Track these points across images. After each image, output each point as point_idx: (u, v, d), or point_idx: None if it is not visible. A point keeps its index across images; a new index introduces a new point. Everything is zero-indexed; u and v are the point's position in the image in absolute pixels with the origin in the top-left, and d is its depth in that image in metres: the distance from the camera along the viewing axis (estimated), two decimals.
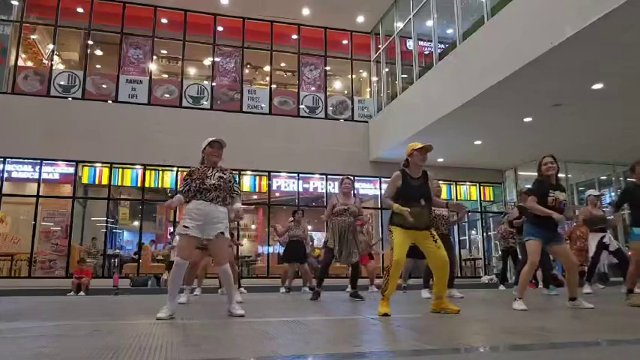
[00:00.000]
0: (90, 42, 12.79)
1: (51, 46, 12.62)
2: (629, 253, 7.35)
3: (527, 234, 4.71)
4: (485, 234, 14.75)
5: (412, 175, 4.25)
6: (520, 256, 7.59)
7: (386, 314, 3.89)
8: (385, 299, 4.04)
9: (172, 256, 10.99)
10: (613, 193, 14.07)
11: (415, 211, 4.05)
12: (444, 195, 13.62)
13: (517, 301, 4.46)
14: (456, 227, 14.67)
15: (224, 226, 4.00)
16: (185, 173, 4.16)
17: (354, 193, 6.69)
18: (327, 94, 13.99)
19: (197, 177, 4.04)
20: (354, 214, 6.33)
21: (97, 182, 12.14)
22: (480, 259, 14.73)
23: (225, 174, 4.15)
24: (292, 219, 8.95)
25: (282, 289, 9.03)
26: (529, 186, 7.55)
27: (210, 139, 4.19)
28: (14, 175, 11.68)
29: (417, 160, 4.23)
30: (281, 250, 10.47)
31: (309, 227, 9.30)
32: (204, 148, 4.16)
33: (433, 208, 6.43)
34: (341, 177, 6.70)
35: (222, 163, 4.22)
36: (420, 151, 4.22)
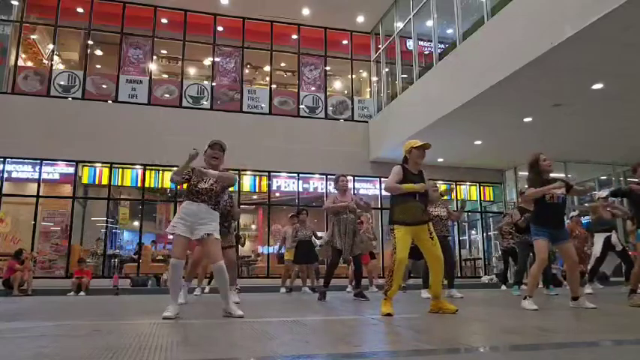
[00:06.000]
0: (90, 42, 12.79)
1: (51, 46, 12.62)
2: (631, 253, 7.36)
3: (534, 234, 4.71)
4: (485, 234, 14.75)
5: (411, 171, 4.28)
6: (519, 256, 7.59)
7: (389, 314, 3.89)
8: (388, 299, 4.04)
9: None
10: None
11: (413, 206, 4.11)
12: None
13: (527, 300, 4.42)
14: (456, 227, 14.73)
15: (213, 227, 3.98)
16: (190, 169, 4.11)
17: (354, 193, 6.68)
18: (327, 94, 13.99)
19: (195, 177, 4.02)
20: (353, 210, 6.35)
21: (97, 182, 12.14)
22: (480, 259, 14.73)
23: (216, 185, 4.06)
24: (297, 220, 8.91)
25: (283, 289, 9.02)
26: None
27: (212, 141, 4.17)
28: (14, 175, 11.68)
29: (416, 158, 4.28)
30: (281, 250, 10.42)
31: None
32: (205, 150, 4.14)
33: (431, 209, 6.49)
34: (336, 175, 6.52)
35: (222, 167, 4.20)
36: (419, 149, 4.27)
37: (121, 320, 4.05)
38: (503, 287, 9.20)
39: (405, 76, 12.57)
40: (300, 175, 13.10)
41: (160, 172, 12.33)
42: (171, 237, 4.08)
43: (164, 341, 2.64)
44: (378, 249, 12.65)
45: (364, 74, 15.20)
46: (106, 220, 13.03)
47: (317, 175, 13.27)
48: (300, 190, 13.16)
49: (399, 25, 12.76)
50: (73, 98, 12.08)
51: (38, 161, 11.57)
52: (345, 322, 3.80)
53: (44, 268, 11.25)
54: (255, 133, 12.47)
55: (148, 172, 12.21)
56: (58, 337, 2.91)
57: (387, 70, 13.80)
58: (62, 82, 12.16)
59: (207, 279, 8.66)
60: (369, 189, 13.71)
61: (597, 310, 4.36)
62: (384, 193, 13.35)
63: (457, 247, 14.68)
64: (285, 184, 13.20)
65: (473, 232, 16.06)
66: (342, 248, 6.13)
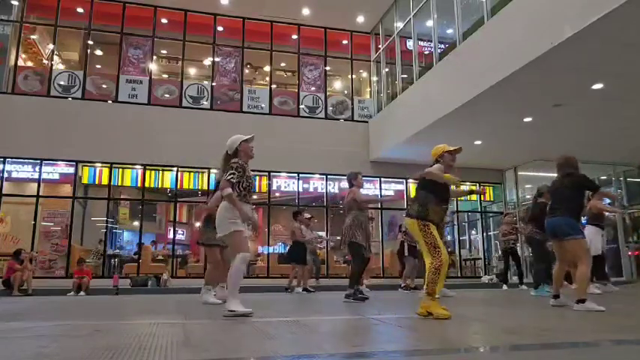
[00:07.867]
0: (90, 42, 12.78)
1: (51, 46, 12.61)
2: (630, 253, 7.37)
3: (579, 231, 4.69)
4: (485, 234, 14.74)
5: None
6: (535, 253, 7.44)
7: (448, 317, 3.62)
8: (437, 299, 3.80)
9: None
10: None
11: (442, 210, 4.13)
12: None
13: (588, 303, 4.34)
14: (455, 227, 14.75)
15: None
16: (238, 165, 4.07)
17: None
18: (327, 94, 13.98)
19: (248, 175, 4.09)
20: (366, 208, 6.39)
21: (97, 182, 12.13)
22: (480, 259, 14.72)
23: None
24: (297, 219, 8.91)
25: (299, 290, 8.83)
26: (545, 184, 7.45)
27: (243, 136, 4.23)
28: (14, 175, 11.67)
29: (449, 161, 4.34)
30: (281, 250, 10.45)
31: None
32: (240, 144, 4.18)
33: None
34: (354, 172, 6.43)
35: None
36: (451, 153, 4.34)
37: (121, 320, 4.06)
38: (504, 287, 9.19)
39: (405, 76, 12.57)
40: (300, 175, 13.11)
41: (160, 172, 12.33)
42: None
43: (164, 341, 2.64)
44: (377, 248, 12.69)
45: (364, 74, 15.20)
46: (106, 220, 13.03)
47: (317, 175, 13.27)
48: (301, 190, 13.16)
49: (399, 25, 12.76)
50: (73, 98, 12.07)
51: (38, 161, 11.56)
52: (345, 322, 3.80)
53: (44, 268, 11.25)
54: (255, 133, 12.36)
55: (148, 172, 12.20)
56: (58, 337, 2.91)
57: (387, 70, 13.79)
58: (62, 82, 12.16)
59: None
60: (369, 189, 13.70)
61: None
62: (384, 192, 13.41)
63: (457, 247, 14.68)
64: (285, 184, 13.20)
65: (473, 232, 16.05)
66: (363, 244, 6.03)
